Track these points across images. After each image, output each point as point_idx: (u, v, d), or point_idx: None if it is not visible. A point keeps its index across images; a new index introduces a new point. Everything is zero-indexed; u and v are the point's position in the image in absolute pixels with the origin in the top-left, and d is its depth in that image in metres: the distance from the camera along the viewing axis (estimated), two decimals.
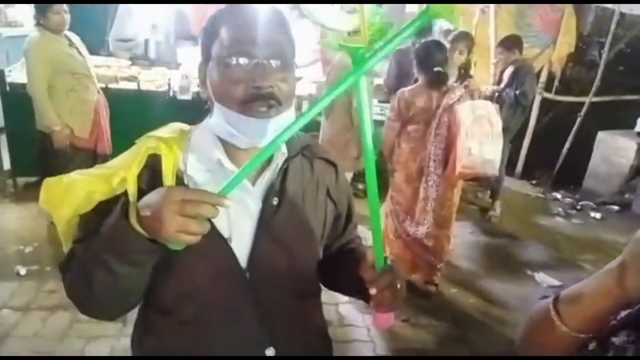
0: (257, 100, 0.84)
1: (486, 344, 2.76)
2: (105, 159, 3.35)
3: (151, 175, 0.88)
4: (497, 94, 4.26)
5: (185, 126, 0.99)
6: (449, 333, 2.86)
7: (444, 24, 4.92)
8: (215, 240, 0.88)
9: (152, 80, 4.36)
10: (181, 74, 4.17)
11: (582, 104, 5.54)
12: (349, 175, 3.23)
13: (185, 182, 0.90)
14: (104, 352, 2.45)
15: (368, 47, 0.72)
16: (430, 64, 2.81)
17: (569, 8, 5.11)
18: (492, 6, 5.02)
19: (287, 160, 0.97)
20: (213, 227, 0.84)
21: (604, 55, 5.41)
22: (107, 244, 0.79)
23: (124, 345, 2.43)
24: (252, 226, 0.93)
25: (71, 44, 3.23)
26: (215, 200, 0.71)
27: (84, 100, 3.28)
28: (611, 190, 5.26)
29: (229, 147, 0.92)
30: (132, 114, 3.69)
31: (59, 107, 3.16)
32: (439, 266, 3.13)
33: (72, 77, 3.18)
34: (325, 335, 1.15)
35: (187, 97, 4.08)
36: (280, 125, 0.84)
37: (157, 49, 5.60)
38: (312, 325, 1.09)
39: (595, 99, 5.48)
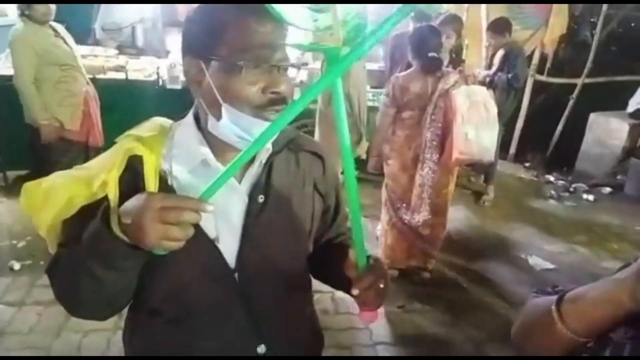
0: (274, 105, 0.83)
1: (481, 329, 2.79)
2: (97, 151, 3.30)
3: (133, 178, 0.85)
4: (488, 79, 4.24)
5: (166, 122, 0.95)
6: (444, 318, 2.88)
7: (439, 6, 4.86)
8: (202, 242, 0.87)
9: (140, 69, 4.30)
10: (170, 63, 4.12)
11: (575, 85, 5.54)
12: None
13: (169, 182, 0.88)
14: (101, 346, 2.45)
15: (344, 45, 0.70)
16: (425, 49, 2.78)
17: None
18: None
19: (271, 156, 0.95)
20: (199, 228, 0.83)
21: (596, 36, 5.39)
22: (90, 250, 0.77)
23: (120, 339, 2.43)
24: (239, 225, 0.92)
25: (57, 34, 3.15)
26: (197, 206, 0.69)
27: (72, 92, 3.22)
28: (604, 171, 5.29)
29: (214, 144, 0.89)
30: (121, 105, 3.65)
31: (46, 99, 3.11)
32: (433, 253, 3.15)
33: (59, 69, 3.12)
34: (316, 329, 1.16)
35: (177, 86, 4.02)
36: None
37: (145, 37, 5.51)
38: (303, 320, 1.09)
39: (587, 81, 5.48)
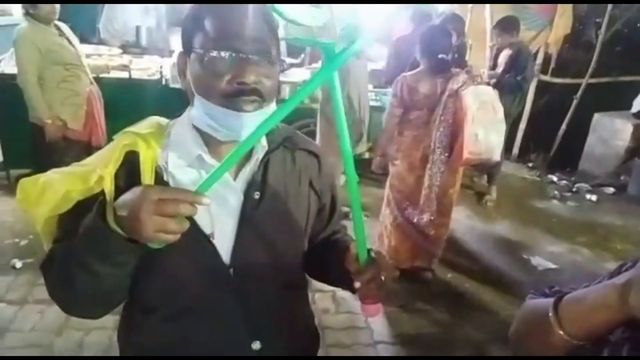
0: (241, 96, 0.83)
1: (482, 329, 2.78)
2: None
3: (129, 173, 0.86)
4: (494, 80, 4.20)
5: (163, 120, 0.97)
6: (446, 318, 2.87)
7: (439, 7, 4.86)
8: (198, 238, 0.87)
9: (144, 68, 4.31)
10: (173, 62, 4.12)
11: (579, 85, 5.51)
12: None
13: (165, 178, 0.88)
14: (103, 344, 2.45)
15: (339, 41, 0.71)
16: (435, 50, 2.78)
17: None
18: None
19: (267, 153, 0.96)
20: (195, 224, 0.84)
21: (601, 37, 5.37)
22: (86, 245, 0.77)
23: None
24: (235, 221, 0.92)
25: (61, 33, 3.17)
26: (194, 199, 0.70)
27: (76, 92, 3.24)
28: (607, 172, 5.27)
29: (209, 141, 0.90)
30: (125, 104, 3.65)
31: (50, 99, 3.12)
32: (437, 253, 3.14)
33: (63, 68, 3.14)
34: (312, 327, 1.16)
35: (180, 85, 4.03)
36: (262, 119, 0.82)
37: (149, 36, 5.53)
38: (298, 317, 1.10)
39: (591, 81, 5.45)
